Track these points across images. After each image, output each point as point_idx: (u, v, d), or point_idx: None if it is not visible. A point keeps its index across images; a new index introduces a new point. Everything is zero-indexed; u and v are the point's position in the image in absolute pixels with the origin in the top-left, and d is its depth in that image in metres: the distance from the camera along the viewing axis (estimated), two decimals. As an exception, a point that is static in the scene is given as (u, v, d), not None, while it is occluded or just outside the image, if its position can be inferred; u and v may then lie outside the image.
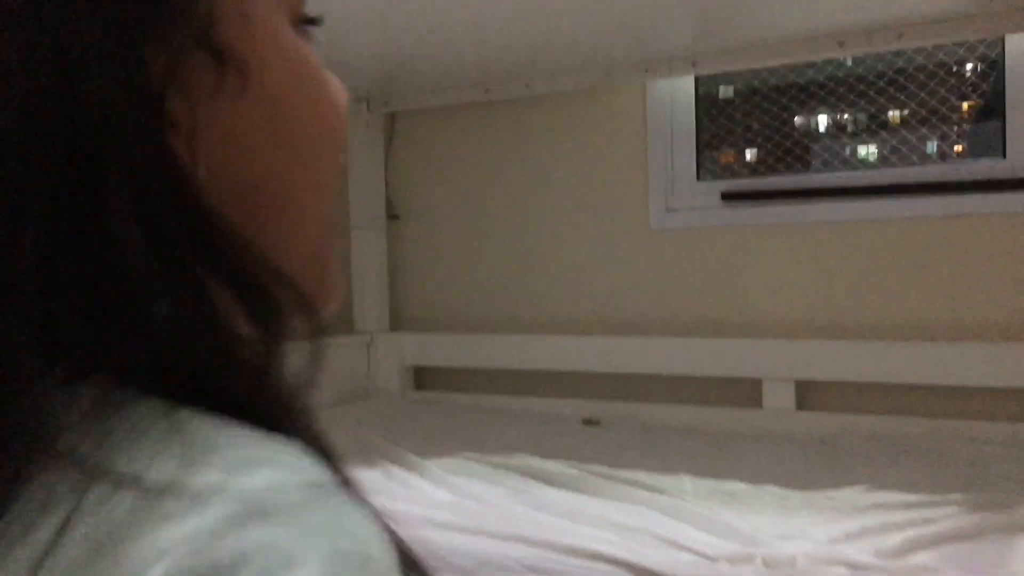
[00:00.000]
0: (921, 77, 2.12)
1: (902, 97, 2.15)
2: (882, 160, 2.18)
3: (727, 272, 2.23)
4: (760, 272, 2.19)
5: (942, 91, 2.10)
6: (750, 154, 2.34)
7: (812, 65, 2.21)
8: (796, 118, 2.29)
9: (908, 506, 1.48)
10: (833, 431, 2.01)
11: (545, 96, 2.42)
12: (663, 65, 2.14)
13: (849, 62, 2.21)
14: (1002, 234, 1.93)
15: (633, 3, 1.70)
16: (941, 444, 1.85)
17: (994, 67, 2.02)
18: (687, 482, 1.69)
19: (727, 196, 2.24)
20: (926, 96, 2.12)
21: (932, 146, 2.13)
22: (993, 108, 2.03)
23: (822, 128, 2.27)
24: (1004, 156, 1.97)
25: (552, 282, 2.46)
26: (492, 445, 2.02)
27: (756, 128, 2.33)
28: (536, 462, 1.85)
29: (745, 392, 2.18)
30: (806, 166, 2.26)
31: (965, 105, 2.11)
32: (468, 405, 2.47)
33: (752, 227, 2.20)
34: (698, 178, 2.32)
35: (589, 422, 2.24)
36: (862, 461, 1.79)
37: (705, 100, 2.36)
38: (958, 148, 2.12)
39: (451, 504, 1.63)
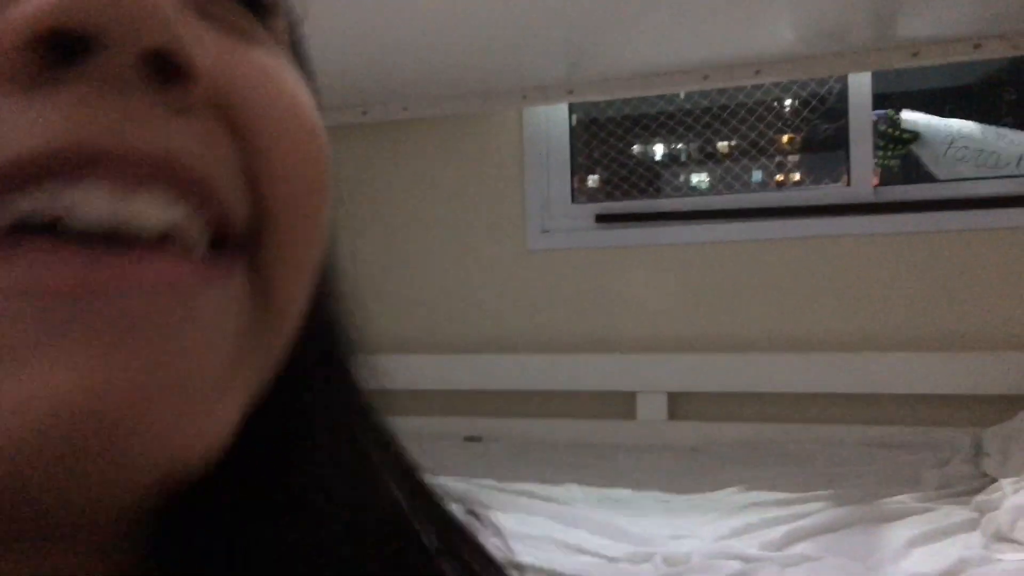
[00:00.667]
0: (742, 113, 2.31)
1: (726, 130, 2.34)
2: (712, 188, 2.34)
3: (602, 291, 2.32)
4: (632, 290, 2.30)
5: (761, 126, 2.30)
6: (592, 180, 2.46)
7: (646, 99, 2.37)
8: (634, 147, 2.42)
9: (781, 503, 1.60)
10: (704, 439, 2.13)
11: (424, 119, 2.45)
12: (539, 93, 2.22)
13: (682, 95, 2.37)
14: (848, 253, 2.12)
15: (509, 34, 1.76)
16: (802, 447, 1.99)
17: (809, 103, 2.24)
18: (576, 491, 1.75)
19: (601, 218, 2.33)
20: (747, 130, 2.30)
21: (757, 175, 2.32)
22: (829, 139, 2.24)
23: (658, 157, 2.41)
24: (848, 184, 2.17)
25: (432, 302, 2.48)
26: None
27: (596, 156, 2.46)
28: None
29: (621, 405, 2.27)
30: (651, 191, 2.40)
31: (784, 138, 2.31)
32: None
33: (625, 248, 2.30)
34: (572, 200, 2.41)
35: (471, 439, 2.26)
36: (733, 465, 1.91)
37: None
38: (779, 177, 2.31)
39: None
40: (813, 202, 2.18)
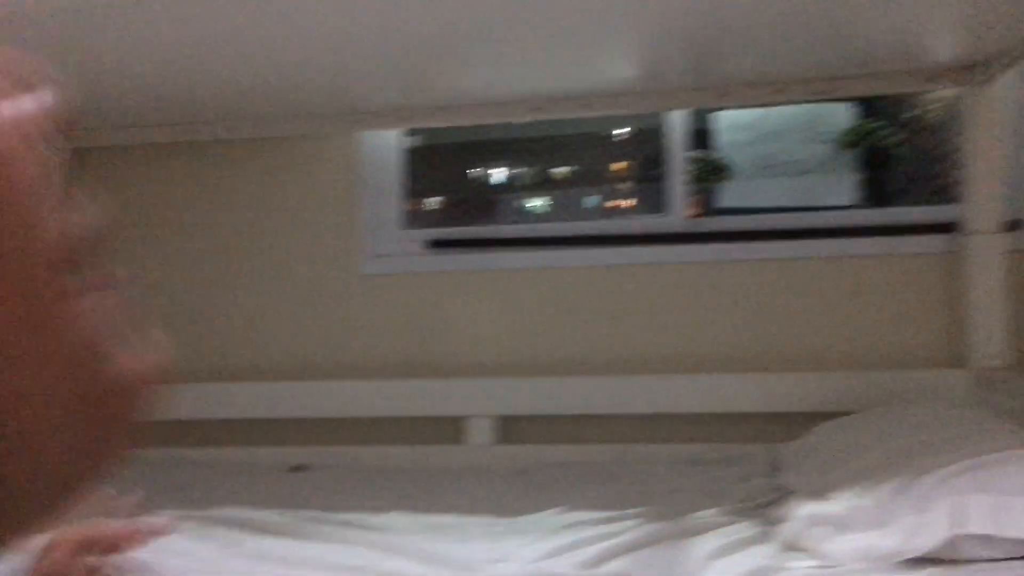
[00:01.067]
0: (579, 141, 2.40)
1: (564, 157, 2.43)
2: (552, 213, 2.42)
3: (434, 316, 2.34)
4: (464, 315, 2.33)
5: (596, 154, 2.40)
6: (432, 203, 2.49)
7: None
8: (475, 171, 2.47)
9: (598, 523, 1.65)
10: (531, 462, 2.17)
11: (255, 139, 2.40)
12: (373, 119, 2.22)
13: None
14: (664, 280, 2.23)
15: (341, 57, 1.76)
16: (622, 467, 2.08)
17: (640, 135, 2.35)
18: (398, 519, 1.74)
19: (433, 244, 2.35)
20: (584, 157, 2.40)
21: (592, 200, 2.42)
22: (656, 169, 2.36)
23: (498, 181, 2.47)
24: (664, 213, 2.29)
25: (261, 327, 2.42)
26: (193, 499, 1.93)
27: (438, 179, 2.49)
28: (245, 512, 1.80)
29: (450, 430, 2.29)
30: (488, 216, 2.45)
31: (616, 166, 2.42)
32: (162, 460, 2.34)
33: (457, 273, 2.33)
34: (404, 226, 2.42)
35: (297, 468, 2.22)
36: (558, 487, 1.96)
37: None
38: (613, 203, 2.42)
39: (151, 564, 1.54)
40: (634, 231, 2.28)
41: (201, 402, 2.33)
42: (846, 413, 1.98)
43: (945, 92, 2.20)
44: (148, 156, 2.47)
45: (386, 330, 2.36)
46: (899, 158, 2.25)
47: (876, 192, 2.30)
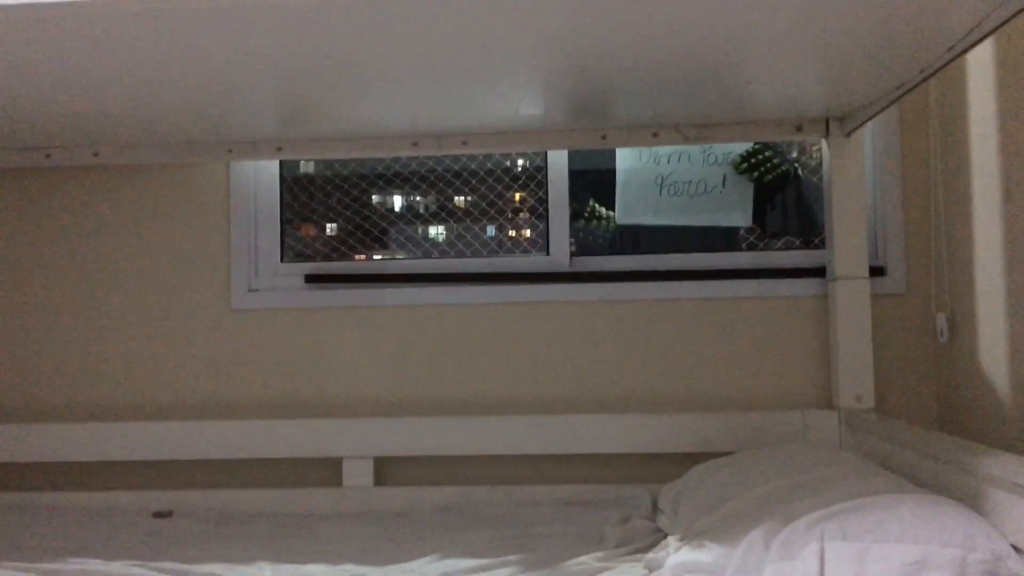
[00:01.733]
0: (481, 173, 2.39)
1: (466, 189, 2.40)
2: (450, 243, 2.39)
3: (309, 353, 2.27)
4: (341, 353, 2.26)
5: (496, 185, 2.39)
6: (331, 229, 2.42)
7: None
8: (374, 198, 2.42)
9: (473, 571, 1.61)
10: (409, 505, 2.12)
11: (122, 166, 2.28)
12: (247, 148, 2.15)
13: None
14: (546, 319, 2.23)
15: (215, 87, 1.69)
16: (503, 509, 2.05)
17: (539, 171, 2.36)
18: (267, 570, 1.66)
19: (311, 278, 2.28)
20: (485, 189, 2.39)
21: (491, 230, 2.40)
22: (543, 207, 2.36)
23: (397, 209, 2.43)
24: (548, 253, 2.30)
25: (126, 363, 2.29)
26: (46, 549, 1.80)
27: (335, 205, 2.43)
28: (98, 566, 1.68)
29: (326, 472, 2.21)
30: (384, 245, 2.40)
31: (517, 196, 2.41)
32: (14, 505, 2.17)
33: (334, 309, 2.27)
34: (282, 259, 2.34)
35: (161, 515, 2.09)
36: (436, 531, 1.91)
37: (287, 177, 2.40)
38: (513, 233, 2.40)
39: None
40: (517, 269, 2.28)
41: (59, 442, 2.18)
42: (724, 453, 2.02)
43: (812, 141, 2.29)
44: (7, 181, 2.32)
45: (259, 368, 2.27)
46: (788, 193, 2.32)
47: (762, 222, 2.35)
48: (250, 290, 2.28)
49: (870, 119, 1.93)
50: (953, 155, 2.00)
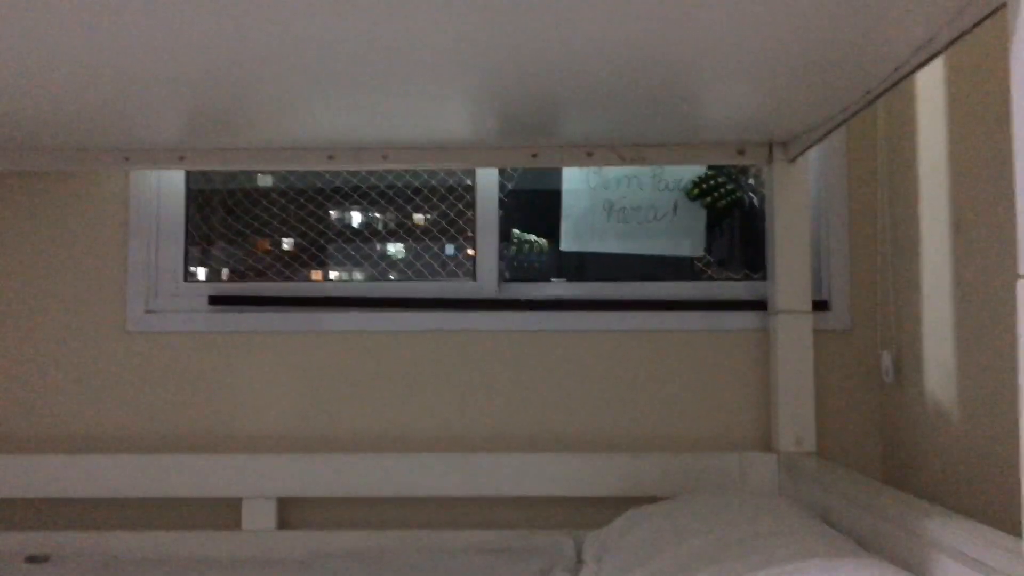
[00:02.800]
0: (442, 190, 2.25)
1: (425, 206, 2.26)
2: (408, 263, 2.24)
3: (211, 382, 2.09)
4: (247, 382, 2.09)
5: (456, 203, 2.24)
6: (287, 244, 2.27)
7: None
8: (331, 213, 2.28)
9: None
10: (315, 550, 1.95)
11: (8, 173, 2.10)
12: (147, 156, 1.98)
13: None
14: (471, 349, 2.08)
15: (114, 89, 1.53)
16: (416, 556, 1.89)
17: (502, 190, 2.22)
18: (139, 630, 1.48)
19: (215, 300, 2.11)
20: (445, 207, 2.25)
21: (450, 249, 2.25)
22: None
23: (355, 224, 2.28)
24: (475, 278, 2.15)
25: (5, 389, 2.09)
26: None
27: (290, 219, 2.27)
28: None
29: (225, 513, 2.03)
30: (339, 263, 2.25)
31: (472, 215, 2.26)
32: None
33: (240, 334, 2.10)
34: (186, 279, 2.17)
35: (35, 559, 1.89)
36: (337, 583, 1.75)
37: (238, 190, 2.24)
38: (472, 252, 2.26)
39: None
40: (441, 295, 2.13)
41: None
42: (658, 497, 1.89)
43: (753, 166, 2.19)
44: None
45: (155, 397, 2.09)
46: (741, 222, 2.21)
47: (714, 251, 2.24)
48: (147, 311, 2.10)
49: (815, 144, 1.83)
50: (901, 183, 1.91)
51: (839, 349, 2.07)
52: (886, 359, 1.94)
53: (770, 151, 1.96)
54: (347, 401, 2.09)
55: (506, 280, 2.17)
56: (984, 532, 1.13)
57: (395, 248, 2.29)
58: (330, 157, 1.97)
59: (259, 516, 1.99)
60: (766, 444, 2.05)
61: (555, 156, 1.98)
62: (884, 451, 2.03)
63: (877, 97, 1.50)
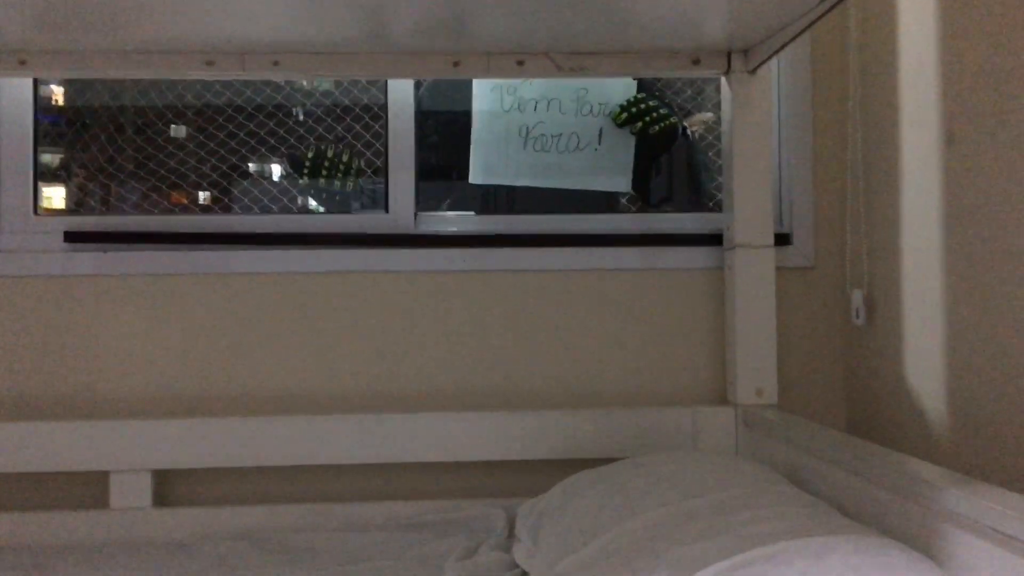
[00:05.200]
0: (357, 109, 1.96)
1: (339, 127, 1.97)
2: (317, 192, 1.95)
3: (72, 335, 1.78)
4: (114, 335, 1.79)
5: (372, 123, 1.96)
6: (204, 198, 1.96)
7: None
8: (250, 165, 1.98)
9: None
10: (198, 531, 1.69)
11: None
12: (-23, 58, 1.64)
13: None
14: (386, 294, 1.82)
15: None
16: (316, 537, 1.64)
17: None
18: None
19: (72, 236, 1.80)
20: (360, 128, 1.96)
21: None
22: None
23: (275, 176, 1.98)
24: (387, 210, 1.88)
25: None
26: None
27: (209, 172, 1.95)
28: None
29: (90, 489, 1.75)
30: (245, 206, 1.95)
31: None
32: None
33: (105, 277, 1.79)
34: (36, 212, 1.85)
35: None
36: (229, 569, 1.49)
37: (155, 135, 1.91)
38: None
39: None
40: (345, 230, 1.85)
41: None
42: (601, 460, 1.67)
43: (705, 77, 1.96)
44: None
45: (3, 354, 1.78)
46: (676, 154, 1.98)
47: (645, 189, 2.00)
48: (-10, 251, 1.78)
49: (780, 50, 1.60)
50: (877, 94, 1.70)
51: (801, 288, 1.87)
52: (856, 298, 1.74)
53: (728, 60, 1.73)
54: (236, 356, 1.81)
55: (425, 210, 1.91)
56: (1003, 496, 0.93)
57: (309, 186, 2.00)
58: (208, 63, 1.67)
59: (131, 492, 1.70)
60: (721, 396, 1.85)
61: (480, 64, 1.71)
62: (849, 403, 1.85)
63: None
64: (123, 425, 1.70)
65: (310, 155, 1.93)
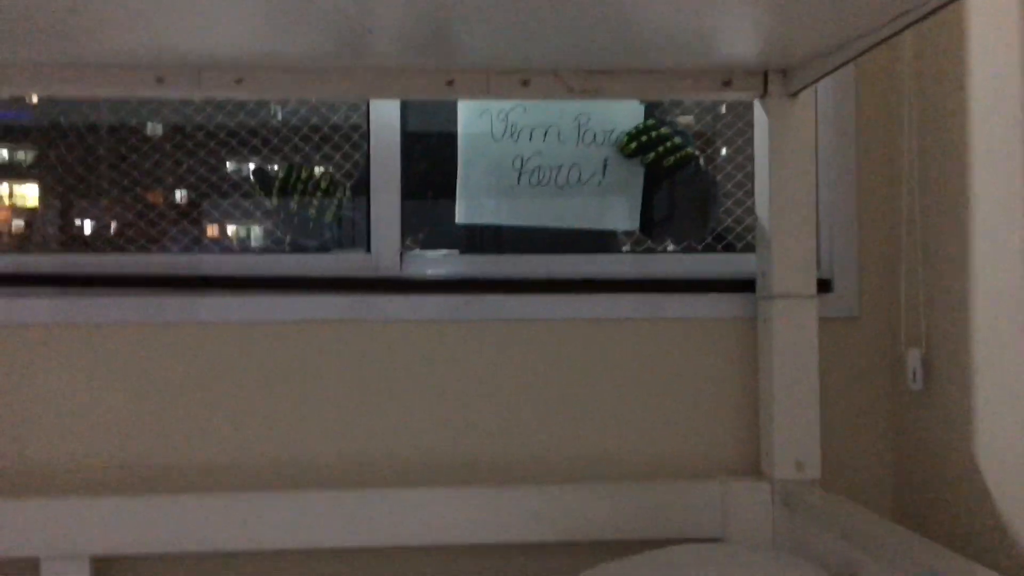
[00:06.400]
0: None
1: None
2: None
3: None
4: (47, 395, 1.56)
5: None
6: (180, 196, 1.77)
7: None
8: (228, 164, 1.80)
9: None
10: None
11: None
12: None
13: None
14: (361, 347, 1.59)
15: None
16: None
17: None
18: None
19: (13, 280, 1.57)
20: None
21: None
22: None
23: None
24: (368, 249, 1.65)
25: None
26: None
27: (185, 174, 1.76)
28: None
29: (17, 577, 1.52)
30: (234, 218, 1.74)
31: None
32: None
33: (36, 327, 1.56)
34: None
35: None
36: None
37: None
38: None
39: None
40: (319, 272, 1.63)
41: None
42: (614, 543, 1.46)
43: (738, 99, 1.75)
44: None
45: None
46: (691, 187, 1.75)
47: (651, 222, 1.79)
48: (-97, 297, 1.55)
49: (830, 73, 1.38)
50: (938, 122, 1.48)
51: (842, 343, 1.65)
52: (913, 358, 1.52)
53: (765, 81, 1.51)
54: (190, 422, 1.57)
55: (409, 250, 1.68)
56: None
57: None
58: (159, 80, 1.44)
59: (66, 582, 1.47)
60: (753, 467, 1.62)
61: (478, 83, 1.49)
62: (896, 485, 1.63)
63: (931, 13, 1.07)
64: (57, 502, 1.47)
65: (281, 174, 1.70)
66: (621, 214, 1.73)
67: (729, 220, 1.97)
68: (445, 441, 1.60)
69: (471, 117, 1.70)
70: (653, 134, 1.69)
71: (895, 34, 1.18)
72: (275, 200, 1.69)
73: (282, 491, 1.51)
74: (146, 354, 1.57)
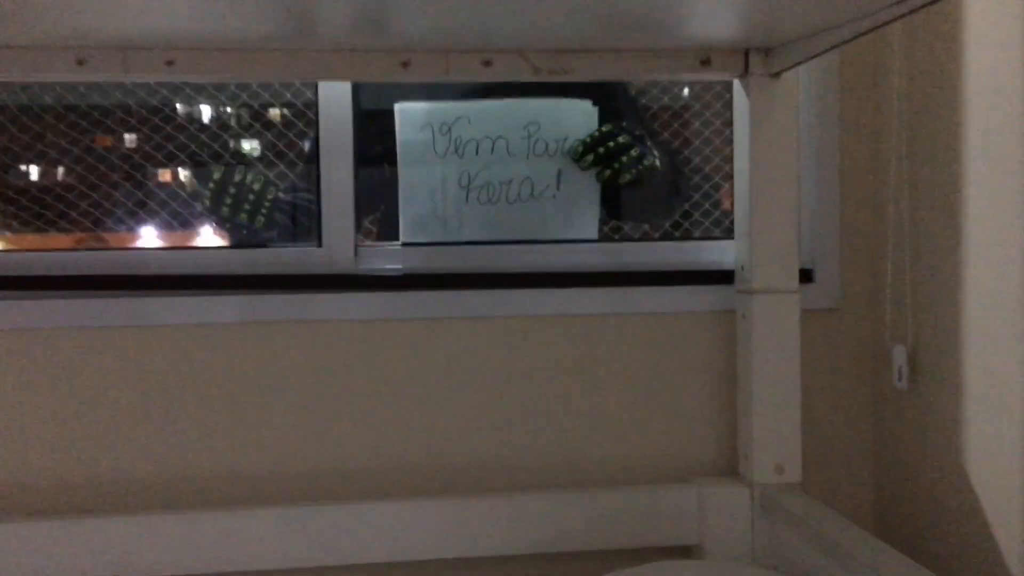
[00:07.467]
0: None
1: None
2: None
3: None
4: (-30, 408, 1.44)
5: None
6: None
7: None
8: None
9: None
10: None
11: None
12: None
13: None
14: (315, 348, 1.49)
15: None
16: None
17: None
18: None
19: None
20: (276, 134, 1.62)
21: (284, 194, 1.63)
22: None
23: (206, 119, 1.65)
24: (320, 243, 1.54)
25: None
26: None
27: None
28: None
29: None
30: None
31: None
32: None
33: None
34: None
35: None
36: None
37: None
38: None
39: None
40: (268, 269, 1.52)
41: None
42: (587, 554, 1.39)
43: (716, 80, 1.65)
44: None
45: None
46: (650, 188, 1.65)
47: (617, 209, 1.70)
48: None
49: (817, 55, 1.29)
50: (930, 103, 1.40)
51: (822, 335, 1.58)
52: (899, 356, 1.46)
53: (746, 60, 1.42)
54: (123, 435, 1.47)
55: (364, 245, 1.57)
56: None
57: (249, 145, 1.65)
58: (80, 62, 1.30)
59: (-5, 612, 1.37)
60: (731, 468, 1.56)
61: (436, 64, 1.37)
62: (877, 489, 1.58)
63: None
64: (-18, 527, 1.36)
65: (216, 176, 1.57)
66: (578, 226, 1.63)
67: (697, 196, 1.88)
68: (405, 448, 1.52)
69: (411, 134, 1.58)
70: (611, 144, 1.58)
71: (891, 21, 1.09)
72: (210, 203, 1.57)
73: (229, 508, 1.42)
74: (78, 361, 1.45)
